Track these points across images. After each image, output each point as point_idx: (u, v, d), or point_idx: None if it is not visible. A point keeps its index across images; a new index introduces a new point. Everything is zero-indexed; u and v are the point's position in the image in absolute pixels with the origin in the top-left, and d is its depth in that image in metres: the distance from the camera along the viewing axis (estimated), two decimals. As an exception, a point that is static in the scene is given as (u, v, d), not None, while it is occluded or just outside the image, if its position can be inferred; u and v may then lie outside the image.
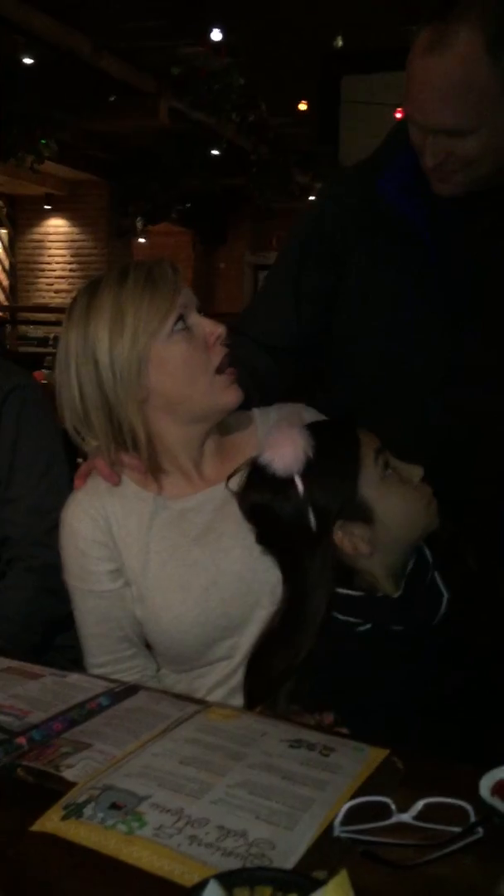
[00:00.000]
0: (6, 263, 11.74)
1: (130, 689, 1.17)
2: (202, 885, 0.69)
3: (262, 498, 1.21)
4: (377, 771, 0.99)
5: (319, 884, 0.70)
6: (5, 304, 11.25)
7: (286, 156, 10.14)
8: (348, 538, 1.18)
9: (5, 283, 11.71)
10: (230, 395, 1.30)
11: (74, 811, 0.87)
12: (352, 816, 0.87)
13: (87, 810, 0.87)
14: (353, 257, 1.64)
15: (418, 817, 0.88)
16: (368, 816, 0.88)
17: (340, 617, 1.19)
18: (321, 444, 1.19)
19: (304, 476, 1.17)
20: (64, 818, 0.86)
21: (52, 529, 1.50)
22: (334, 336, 1.70)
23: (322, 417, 1.42)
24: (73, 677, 1.22)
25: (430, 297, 1.58)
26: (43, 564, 1.53)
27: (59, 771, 0.94)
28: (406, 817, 0.88)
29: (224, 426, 1.38)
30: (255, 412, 1.43)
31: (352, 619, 1.19)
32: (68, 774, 0.94)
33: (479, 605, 1.25)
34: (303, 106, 8.62)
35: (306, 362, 1.78)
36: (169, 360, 1.26)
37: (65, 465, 1.67)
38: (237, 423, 1.40)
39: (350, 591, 1.20)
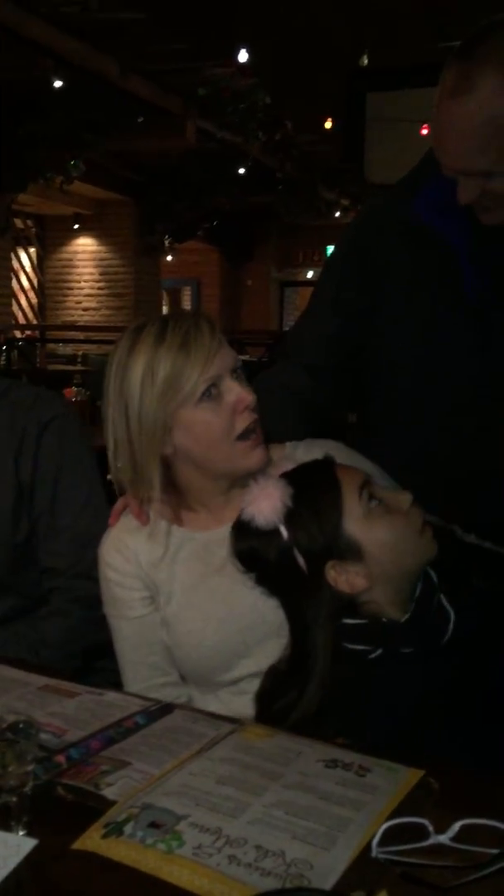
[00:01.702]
0: (35, 282, 11.89)
1: (166, 708, 1.18)
2: (243, 904, 0.70)
3: (248, 545, 1.24)
4: (413, 791, 0.99)
5: (359, 905, 0.71)
6: (34, 322, 11.39)
7: (312, 173, 10.20)
8: (343, 576, 1.20)
9: (35, 301, 11.85)
10: (251, 460, 1.33)
11: (115, 829, 0.88)
12: (389, 837, 0.88)
13: (128, 828, 0.88)
14: (389, 278, 1.65)
15: (455, 839, 0.88)
16: (406, 837, 0.88)
17: (351, 647, 1.20)
18: (300, 491, 1.22)
19: (287, 524, 1.20)
20: (104, 836, 0.88)
21: (96, 560, 1.52)
22: (369, 357, 1.71)
23: (351, 452, 1.43)
24: (110, 696, 1.23)
25: (463, 320, 1.58)
26: (87, 595, 1.54)
27: (99, 789, 0.95)
28: (443, 838, 0.88)
29: None
30: (287, 446, 1.45)
31: (361, 648, 1.20)
32: (108, 793, 0.95)
33: (488, 623, 1.25)
34: (328, 123, 8.70)
35: (348, 388, 1.79)
36: (194, 425, 1.29)
37: (103, 492, 1.68)
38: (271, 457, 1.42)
39: (355, 621, 1.21)
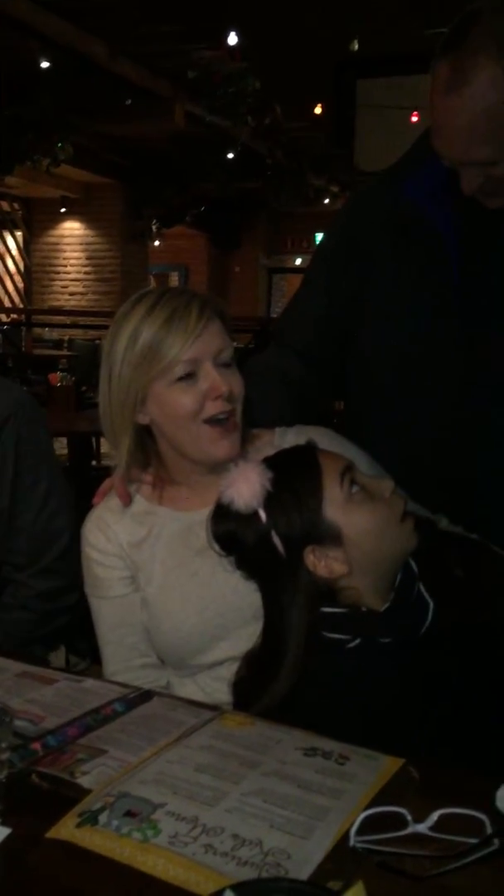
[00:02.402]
0: (21, 266, 11.80)
1: (145, 696, 1.17)
2: (219, 894, 0.69)
3: (226, 528, 1.23)
4: (392, 780, 0.98)
5: (335, 895, 0.70)
6: (20, 306, 11.30)
7: (301, 159, 10.15)
8: (322, 561, 1.19)
9: (21, 285, 11.76)
10: (218, 448, 1.32)
11: (89, 818, 0.87)
12: (367, 826, 0.87)
13: (102, 818, 0.87)
14: (376, 264, 1.64)
15: (434, 828, 0.87)
16: (384, 826, 0.87)
17: (328, 635, 1.19)
18: (280, 475, 1.21)
19: (266, 508, 1.20)
20: (79, 825, 0.86)
21: (62, 555, 1.55)
22: (356, 344, 1.70)
23: (341, 440, 1.42)
24: (88, 683, 1.22)
25: (448, 309, 1.57)
26: (47, 590, 1.57)
27: (74, 777, 0.94)
28: (422, 828, 0.87)
29: (244, 445, 1.39)
30: (276, 431, 1.44)
31: (340, 636, 1.19)
32: (83, 781, 0.94)
33: (467, 612, 1.25)
34: (318, 109, 8.64)
35: (331, 370, 1.78)
36: (165, 401, 1.30)
37: (65, 486, 1.68)
38: (255, 442, 1.41)
39: (334, 609, 1.21)
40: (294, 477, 1.21)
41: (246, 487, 1.19)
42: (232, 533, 1.22)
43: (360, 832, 0.86)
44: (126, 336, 1.29)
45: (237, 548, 1.23)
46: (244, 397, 1.35)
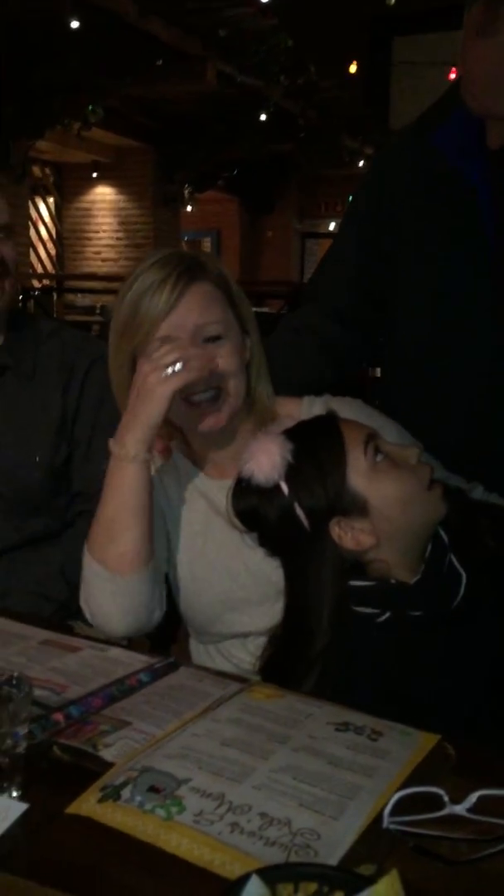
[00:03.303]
0: (53, 232, 11.75)
1: (171, 666, 1.13)
2: (244, 879, 0.65)
3: (247, 504, 1.18)
4: (427, 758, 0.94)
5: (367, 882, 0.66)
6: (52, 272, 11.27)
7: (335, 120, 9.93)
8: (349, 533, 1.15)
9: (53, 251, 11.72)
10: (205, 425, 1.28)
11: (112, 793, 0.84)
12: (401, 807, 0.83)
13: (125, 793, 0.84)
14: (408, 221, 1.57)
15: (472, 810, 0.83)
16: (419, 807, 0.83)
17: (357, 609, 1.15)
18: (302, 446, 1.16)
19: (288, 480, 1.15)
20: (101, 801, 0.83)
21: None
22: (389, 308, 1.64)
23: (370, 411, 1.37)
24: (114, 651, 1.19)
25: (481, 268, 1.50)
26: None
27: (96, 750, 0.91)
28: (459, 809, 0.83)
29: (267, 416, 1.35)
30: (304, 400, 1.38)
31: (369, 610, 1.15)
32: (106, 754, 0.91)
33: (500, 583, 1.20)
34: (353, 68, 8.41)
35: (369, 333, 1.72)
36: None
37: None
38: (284, 410, 1.36)
39: (362, 582, 1.16)
40: (316, 447, 1.16)
41: (266, 460, 1.14)
42: (254, 508, 1.18)
43: (393, 813, 0.82)
44: (118, 303, 1.27)
45: (260, 524, 1.19)
46: (274, 361, 1.30)
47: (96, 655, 1.17)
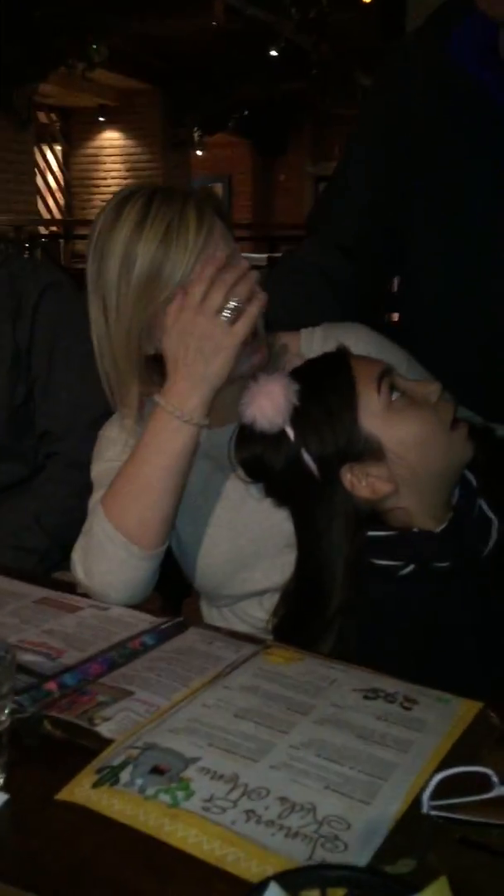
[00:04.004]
0: (61, 180, 11.50)
1: (179, 626, 1.02)
2: (260, 888, 0.54)
3: (251, 453, 1.06)
4: (470, 729, 0.83)
5: (407, 889, 0.55)
6: (60, 219, 11.05)
7: (349, 55, 9.55)
8: (363, 480, 1.03)
9: (61, 200, 11.49)
10: (255, 359, 1.13)
11: (109, 776, 0.73)
12: (443, 788, 0.72)
13: (124, 775, 0.73)
14: (422, 136, 1.42)
15: (526, 790, 0.72)
16: (464, 788, 0.72)
17: (378, 562, 1.03)
18: (308, 387, 1.04)
19: (294, 425, 1.02)
20: (96, 785, 0.72)
21: (93, 423, 1.50)
22: (403, 239, 1.49)
23: (379, 338, 1.23)
24: (116, 611, 1.08)
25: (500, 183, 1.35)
26: (85, 460, 1.49)
27: (93, 725, 0.80)
28: (510, 790, 0.72)
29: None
30: (302, 333, 1.25)
31: (390, 563, 1.03)
32: (103, 729, 0.80)
33: None
34: (367, -3, 8.05)
35: (383, 269, 1.58)
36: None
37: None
38: (280, 346, 1.22)
39: (381, 532, 1.04)
40: (324, 387, 1.04)
41: (268, 403, 1.01)
42: (258, 457, 1.05)
43: (434, 796, 0.71)
44: (117, 259, 1.08)
45: (265, 473, 1.07)
46: (272, 302, 1.15)
47: (97, 615, 1.06)
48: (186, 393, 1.08)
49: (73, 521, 1.50)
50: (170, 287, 1.08)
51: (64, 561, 1.49)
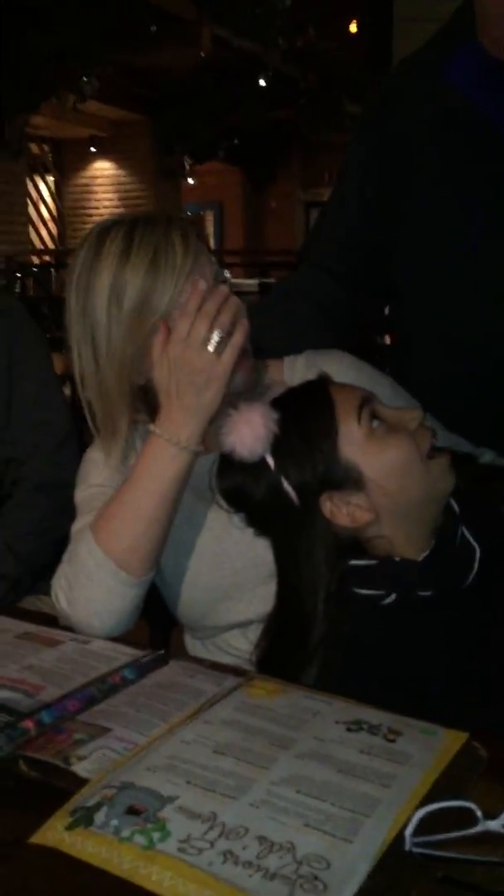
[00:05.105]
0: (54, 210, 11.57)
1: (160, 659, 1.01)
2: (232, 935, 0.52)
3: (232, 482, 1.06)
4: (455, 761, 0.81)
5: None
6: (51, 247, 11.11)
7: (336, 84, 9.67)
8: (343, 509, 1.02)
9: (54, 230, 11.55)
10: (241, 376, 1.13)
11: (83, 818, 0.71)
12: (426, 824, 0.70)
13: (99, 816, 0.71)
14: (419, 163, 1.42)
15: (511, 825, 0.70)
16: (448, 823, 0.70)
17: (360, 591, 1.02)
18: (289, 416, 1.03)
19: (274, 453, 1.02)
20: (70, 827, 0.70)
21: (59, 445, 1.55)
22: (399, 267, 1.49)
23: (360, 365, 1.23)
24: (97, 644, 1.06)
25: (497, 209, 1.35)
26: (52, 483, 1.53)
27: (69, 764, 0.78)
28: (495, 825, 0.70)
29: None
30: (286, 361, 1.24)
31: (372, 592, 1.02)
32: (79, 768, 0.78)
33: None
34: (353, 27, 8.17)
35: (375, 296, 1.57)
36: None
37: (58, 386, 1.69)
38: (266, 374, 1.22)
39: (363, 562, 1.03)
40: (304, 416, 1.03)
41: (248, 432, 1.01)
42: (238, 486, 1.05)
43: (417, 832, 0.69)
44: (104, 290, 1.08)
45: (246, 502, 1.06)
46: (263, 330, 1.16)
47: (77, 649, 1.05)
48: (181, 422, 1.08)
49: (43, 546, 1.53)
50: (159, 312, 1.08)
51: (34, 585, 1.51)
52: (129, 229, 1.10)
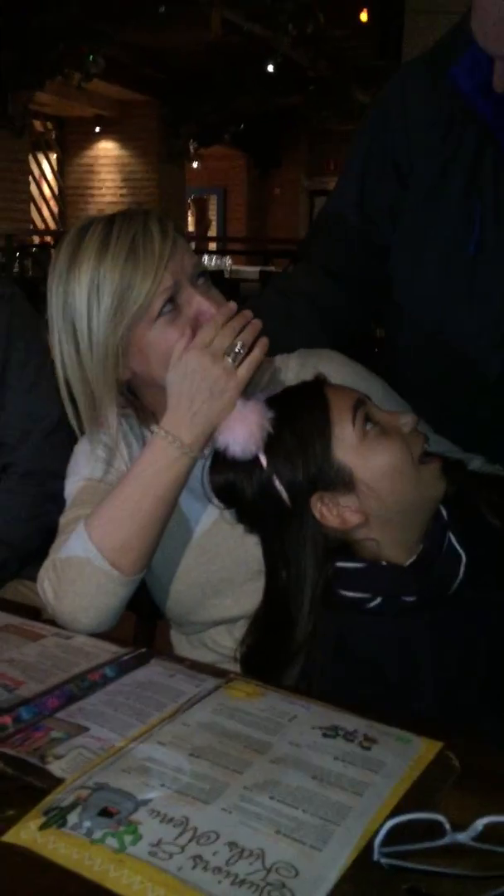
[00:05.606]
0: (55, 188, 11.51)
1: (141, 657, 1.01)
2: (196, 945, 0.53)
3: (224, 479, 1.06)
4: (428, 771, 0.82)
5: None
6: (54, 229, 11.06)
7: (345, 72, 9.61)
8: (333, 510, 1.02)
9: (55, 208, 11.50)
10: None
11: (56, 818, 0.72)
12: (396, 834, 0.71)
13: (72, 817, 0.72)
14: (419, 164, 1.42)
15: (479, 838, 0.71)
16: (417, 833, 0.71)
17: (346, 594, 1.03)
18: (283, 415, 1.04)
19: (266, 452, 1.03)
20: (43, 827, 0.71)
21: (49, 434, 1.54)
22: (394, 267, 1.49)
23: (354, 366, 1.23)
24: (79, 640, 1.07)
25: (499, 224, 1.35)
26: (41, 470, 1.53)
27: (44, 762, 0.79)
28: (463, 838, 0.71)
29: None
30: (277, 360, 1.25)
31: (358, 595, 1.03)
32: (55, 768, 0.78)
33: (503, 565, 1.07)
34: (364, 16, 8.10)
35: (375, 297, 1.57)
36: (150, 345, 1.10)
37: (52, 376, 1.63)
38: (259, 373, 1.22)
39: (350, 564, 1.04)
40: (298, 416, 1.04)
41: (242, 430, 1.02)
42: (230, 483, 1.05)
43: (386, 842, 0.70)
44: (84, 286, 1.08)
45: (237, 499, 1.06)
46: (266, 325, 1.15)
47: (59, 644, 1.05)
48: (187, 426, 1.08)
49: (32, 532, 1.53)
50: (140, 302, 1.08)
51: (22, 570, 1.51)
52: (108, 223, 1.11)
